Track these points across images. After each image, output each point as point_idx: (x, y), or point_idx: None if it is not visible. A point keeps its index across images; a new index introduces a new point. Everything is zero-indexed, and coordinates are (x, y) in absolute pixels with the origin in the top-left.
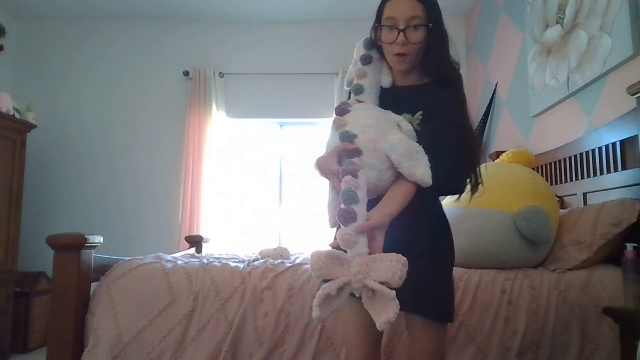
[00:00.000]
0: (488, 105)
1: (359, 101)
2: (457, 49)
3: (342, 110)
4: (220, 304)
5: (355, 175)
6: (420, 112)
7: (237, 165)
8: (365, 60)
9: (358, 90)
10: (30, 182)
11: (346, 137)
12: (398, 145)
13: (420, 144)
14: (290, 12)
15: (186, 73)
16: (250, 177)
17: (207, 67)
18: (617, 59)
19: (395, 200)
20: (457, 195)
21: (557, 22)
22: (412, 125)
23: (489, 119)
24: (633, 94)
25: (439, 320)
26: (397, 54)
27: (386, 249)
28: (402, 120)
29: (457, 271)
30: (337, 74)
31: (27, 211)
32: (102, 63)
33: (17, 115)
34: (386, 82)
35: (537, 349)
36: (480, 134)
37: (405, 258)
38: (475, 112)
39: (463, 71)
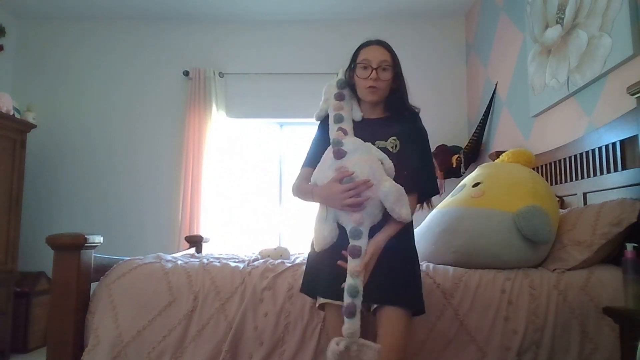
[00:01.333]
0: (488, 105)
1: (342, 130)
2: (457, 49)
3: (340, 154)
4: (220, 304)
5: (362, 209)
6: (393, 137)
7: (237, 165)
8: (340, 97)
9: (339, 119)
10: (30, 182)
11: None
12: (390, 194)
13: (397, 161)
14: (290, 12)
15: (186, 73)
16: (250, 177)
17: (207, 67)
18: (617, 59)
19: (387, 234)
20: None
21: (557, 22)
22: (387, 147)
23: (489, 119)
24: (633, 94)
25: (418, 311)
26: (370, 87)
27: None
28: (383, 156)
29: (457, 271)
30: (337, 74)
31: (27, 211)
32: (102, 63)
33: (17, 115)
34: (357, 115)
35: (537, 349)
36: (480, 134)
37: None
38: (475, 112)
39: (463, 71)
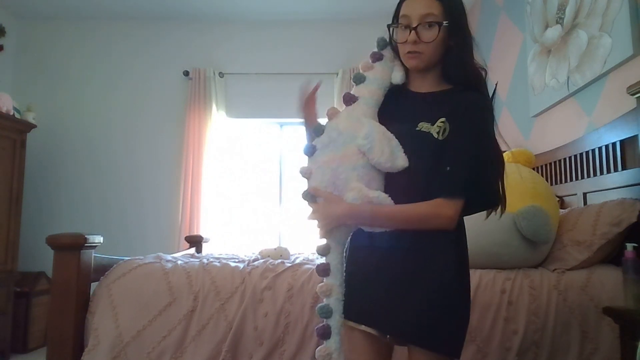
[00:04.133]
0: None
1: (348, 104)
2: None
3: (308, 150)
4: (220, 304)
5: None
6: (442, 119)
7: (237, 165)
8: (376, 57)
9: (359, 79)
10: (30, 182)
11: (306, 198)
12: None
13: (442, 155)
14: (290, 12)
15: (186, 73)
16: (250, 177)
17: (207, 67)
18: (617, 59)
19: (370, 209)
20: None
21: (557, 22)
22: (431, 133)
23: None
24: (633, 94)
25: (451, 356)
26: (409, 52)
27: (407, 271)
28: (368, 146)
29: None
30: (337, 74)
31: (27, 211)
32: (102, 63)
33: (17, 115)
34: (397, 77)
35: (537, 349)
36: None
37: None
38: None
39: None
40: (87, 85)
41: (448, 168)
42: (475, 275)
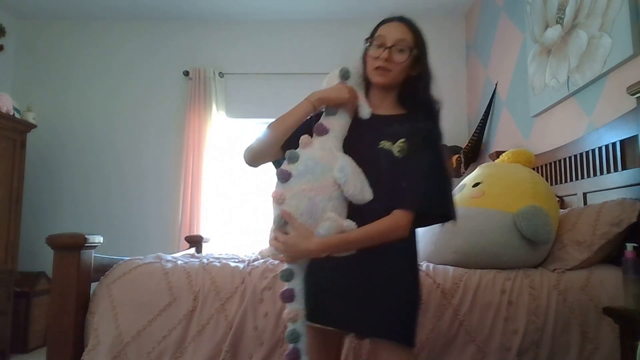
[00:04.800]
0: (488, 105)
1: (318, 128)
2: (457, 49)
3: (283, 176)
4: (220, 304)
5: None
6: (402, 140)
7: (237, 165)
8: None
9: (346, 75)
10: (30, 182)
11: (278, 223)
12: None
13: (401, 172)
14: (290, 12)
15: (186, 73)
16: (250, 177)
17: (207, 67)
18: (617, 59)
19: (331, 241)
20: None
21: (557, 22)
22: (392, 151)
23: (489, 119)
24: (633, 94)
25: (405, 344)
26: (379, 67)
27: (364, 271)
28: (344, 179)
29: (457, 271)
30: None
31: (27, 211)
32: (102, 63)
33: (17, 115)
34: (365, 112)
35: (537, 349)
36: (480, 134)
37: None
38: (475, 112)
39: (463, 71)
40: (87, 85)
41: (405, 184)
42: (475, 275)
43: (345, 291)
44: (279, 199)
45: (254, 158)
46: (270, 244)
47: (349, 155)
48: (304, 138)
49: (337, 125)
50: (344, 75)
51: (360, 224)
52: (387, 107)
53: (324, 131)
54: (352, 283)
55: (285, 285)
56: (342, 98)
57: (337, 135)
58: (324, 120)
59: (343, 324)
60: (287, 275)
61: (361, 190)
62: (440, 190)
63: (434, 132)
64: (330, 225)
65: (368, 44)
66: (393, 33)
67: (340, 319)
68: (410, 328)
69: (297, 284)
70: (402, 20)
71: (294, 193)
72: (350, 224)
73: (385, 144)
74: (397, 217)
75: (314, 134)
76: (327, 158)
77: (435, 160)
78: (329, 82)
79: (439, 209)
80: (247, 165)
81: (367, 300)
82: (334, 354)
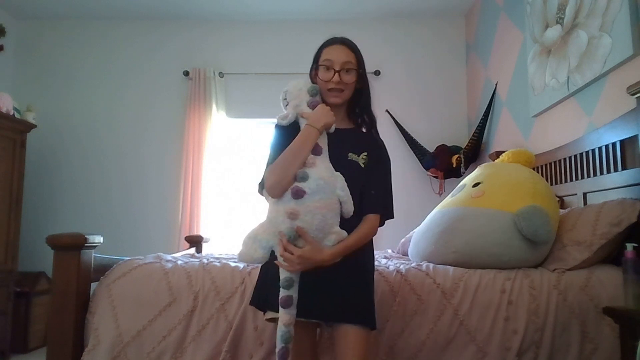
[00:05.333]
0: (488, 105)
1: (317, 148)
2: (457, 49)
3: (298, 194)
4: (220, 304)
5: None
6: (365, 153)
7: (237, 165)
8: (315, 106)
9: (315, 92)
10: (30, 182)
11: (292, 237)
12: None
13: (367, 181)
14: (290, 12)
15: (186, 73)
16: (250, 177)
17: (207, 67)
18: (617, 59)
19: (335, 253)
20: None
21: (557, 22)
22: (359, 162)
23: (489, 119)
24: (633, 94)
25: (371, 327)
26: (333, 89)
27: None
28: (345, 197)
29: (457, 271)
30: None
31: (27, 211)
32: (102, 63)
33: (17, 115)
34: (333, 128)
35: (537, 349)
36: (480, 134)
37: None
38: (475, 112)
39: (463, 71)
40: (87, 85)
41: (373, 192)
42: (475, 275)
43: (329, 287)
44: (293, 215)
45: (281, 192)
46: (280, 256)
47: None
48: (310, 158)
49: (323, 144)
50: (314, 93)
51: (346, 228)
52: (341, 122)
53: (320, 151)
54: (334, 279)
55: (285, 292)
56: (333, 121)
57: (326, 154)
58: (318, 141)
59: (326, 315)
60: (288, 284)
61: (352, 205)
62: (391, 195)
63: (384, 147)
64: (336, 238)
65: (315, 67)
66: (339, 56)
67: (324, 311)
68: (374, 313)
69: (295, 291)
70: (344, 42)
71: (308, 210)
72: (345, 234)
73: (352, 156)
74: (373, 221)
75: (311, 154)
76: (330, 177)
77: (389, 171)
78: (294, 94)
79: (392, 212)
80: (271, 197)
81: (348, 291)
82: (312, 343)
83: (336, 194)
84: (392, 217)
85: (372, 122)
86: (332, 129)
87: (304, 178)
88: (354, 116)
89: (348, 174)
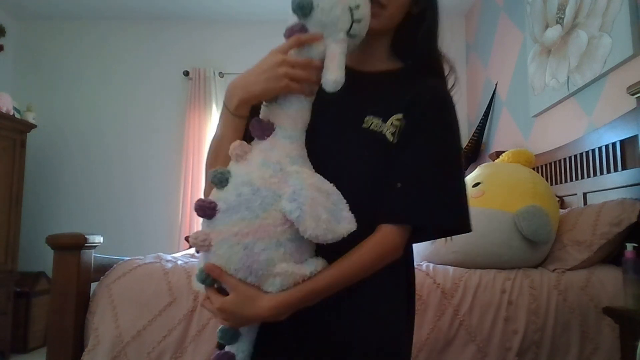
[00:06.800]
0: (488, 105)
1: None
2: (457, 49)
3: (205, 212)
4: None
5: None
6: (398, 116)
7: None
8: (293, 31)
9: (304, 9)
10: (30, 182)
11: (202, 279)
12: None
13: (394, 163)
14: (290, 12)
15: (186, 73)
16: None
17: (207, 67)
18: (617, 59)
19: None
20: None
21: (557, 22)
22: (384, 134)
23: (489, 119)
24: (633, 94)
25: None
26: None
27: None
28: (291, 195)
29: (457, 271)
30: None
31: (27, 211)
32: (102, 63)
33: (17, 115)
34: (330, 81)
35: (537, 349)
36: (480, 134)
37: None
38: (475, 112)
39: (463, 71)
40: (87, 85)
41: (399, 184)
42: (475, 275)
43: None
44: (202, 245)
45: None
46: (201, 305)
47: (312, 150)
48: (237, 145)
49: (287, 116)
50: (302, 9)
51: (340, 249)
52: (376, 60)
53: (265, 131)
54: (332, 339)
55: (225, 348)
56: (276, 87)
57: (289, 135)
58: (263, 114)
59: None
60: (231, 337)
61: (329, 224)
62: (450, 192)
63: (444, 97)
64: (282, 283)
65: None
66: None
67: None
68: None
69: (242, 350)
70: None
71: (222, 238)
72: (315, 268)
73: (372, 122)
74: (385, 237)
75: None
76: (271, 179)
77: (447, 144)
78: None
79: (449, 220)
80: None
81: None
82: None
83: (279, 209)
84: (461, 229)
85: (433, 62)
86: (332, 87)
87: (222, 182)
88: (403, 53)
89: (359, 155)
